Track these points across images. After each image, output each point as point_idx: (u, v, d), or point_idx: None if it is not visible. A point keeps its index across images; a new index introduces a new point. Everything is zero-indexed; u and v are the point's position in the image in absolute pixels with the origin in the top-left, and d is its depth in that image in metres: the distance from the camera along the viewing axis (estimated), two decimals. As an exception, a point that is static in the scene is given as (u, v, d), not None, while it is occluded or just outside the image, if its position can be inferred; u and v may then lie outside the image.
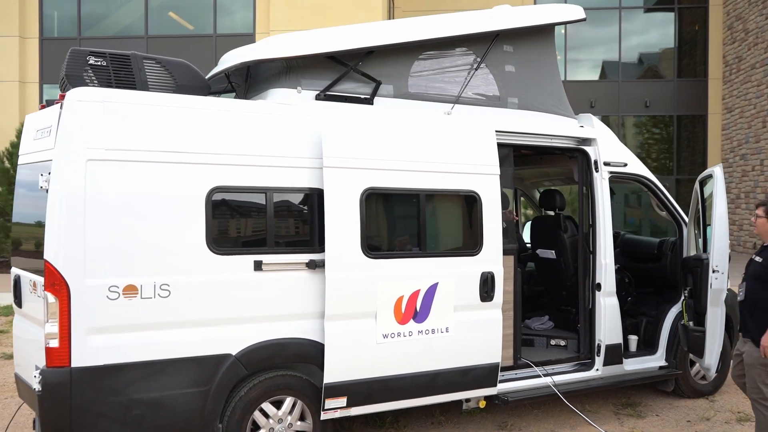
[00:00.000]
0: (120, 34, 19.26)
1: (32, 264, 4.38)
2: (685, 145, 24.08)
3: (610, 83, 23.73)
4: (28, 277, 4.46)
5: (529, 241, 7.17)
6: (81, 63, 4.54)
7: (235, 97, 5.71)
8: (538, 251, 6.76)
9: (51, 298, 3.91)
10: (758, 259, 4.80)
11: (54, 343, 3.92)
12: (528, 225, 7.49)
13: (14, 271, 4.76)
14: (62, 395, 3.92)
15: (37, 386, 3.94)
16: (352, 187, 4.62)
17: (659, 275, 6.71)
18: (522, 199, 8.28)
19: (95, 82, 4.53)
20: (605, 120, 24.10)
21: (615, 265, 6.66)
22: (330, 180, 4.54)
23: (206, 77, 5.36)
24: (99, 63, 4.61)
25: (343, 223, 4.56)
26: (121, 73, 4.64)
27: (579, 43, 24.08)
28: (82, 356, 3.96)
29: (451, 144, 5.08)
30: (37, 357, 4.08)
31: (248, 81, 5.39)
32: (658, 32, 24.19)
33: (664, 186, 6.54)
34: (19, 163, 4.84)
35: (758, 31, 19.32)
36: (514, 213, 7.51)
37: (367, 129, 4.78)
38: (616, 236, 7.35)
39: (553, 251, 6.54)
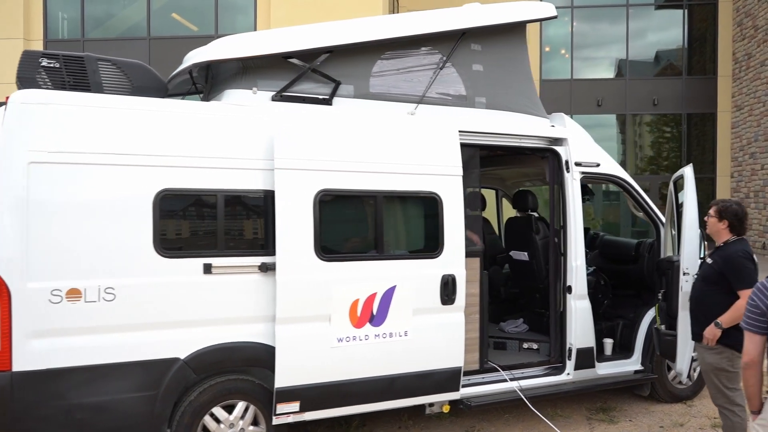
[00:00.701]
0: (123, 35, 19.35)
1: None
2: (695, 144, 23.74)
3: (617, 81, 23.47)
4: None
5: (504, 242, 7.06)
6: (34, 65, 4.52)
7: (201, 98, 5.70)
8: (512, 253, 6.65)
9: (-8, 301, 3.89)
10: (709, 260, 4.68)
11: (-5, 347, 3.90)
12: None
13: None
14: (2, 399, 3.89)
15: (-24, 391, 3.93)
16: (305, 188, 4.56)
17: (637, 277, 6.58)
18: (504, 200, 8.16)
19: (49, 84, 4.52)
20: (612, 119, 23.88)
21: (591, 267, 6.57)
22: (281, 182, 4.48)
23: (168, 78, 5.34)
24: (52, 65, 4.59)
25: (295, 226, 4.50)
26: (74, 75, 4.62)
27: (585, 41, 23.85)
28: (23, 360, 3.93)
29: (411, 145, 4.99)
30: None
31: (209, 82, 5.35)
32: (666, 29, 23.88)
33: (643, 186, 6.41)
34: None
35: (768, 28, 19.00)
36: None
37: (321, 130, 4.71)
38: (596, 238, 7.24)
39: (526, 253, 6.43)
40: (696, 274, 5.01)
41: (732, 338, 4.44)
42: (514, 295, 7.05)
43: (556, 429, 5.31)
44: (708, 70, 23.42)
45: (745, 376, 3.17)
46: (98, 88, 4.62)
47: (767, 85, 19.15)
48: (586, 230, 7.47)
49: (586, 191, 6.92)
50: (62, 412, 4.02)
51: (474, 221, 5.48)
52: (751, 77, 20.28)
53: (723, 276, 4.55)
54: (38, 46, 18.73)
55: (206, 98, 5.39)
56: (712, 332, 4.57)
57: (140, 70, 4.84)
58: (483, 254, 5.48)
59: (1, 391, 3.89)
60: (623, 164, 23.64)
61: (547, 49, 24.00)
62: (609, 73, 23.97)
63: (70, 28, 19.52)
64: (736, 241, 4.65)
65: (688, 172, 5.43)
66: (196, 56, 4.91)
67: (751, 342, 3.14)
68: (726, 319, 4.50)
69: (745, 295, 4.34)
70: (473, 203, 5.53)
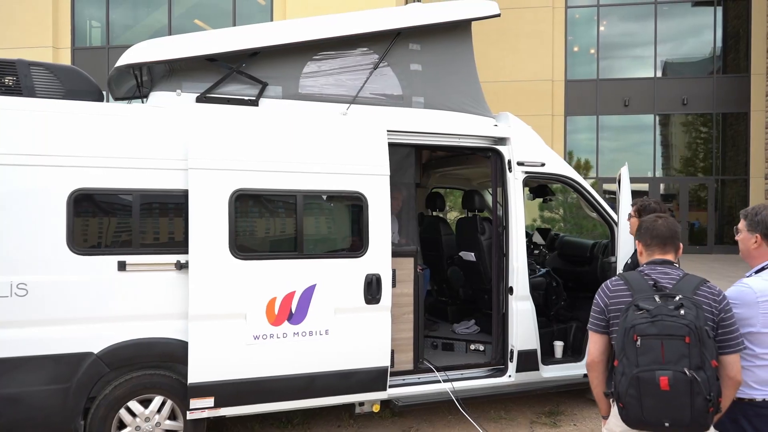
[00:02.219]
0: (146, 42, 19.91)
1: None
2: (729, 144, 23.03)
3: (645, 81, 22.95)
4: None
5: (457, 243, 7.02)
6: (-34, 70, 4.73)
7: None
8: (461, 253, 6.61)
9: None
10: (629, 261, 4.56)
11: None
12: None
13: None
14: None
15: None
16: (220, 188, 4.64)
17: (592, 279, 6.45)
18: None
19: (-19, 88, 4.71)
20: (640, 119, 23.32)
21: (545, 268, 6.48)
22: (195, 181, 4.57)
23: (107, 81, 5.50)
24: (-16, 70, 4.79)
25: (209, 224, 4.59)
26: (7, 79, 4.81)
27: (613, 41, 23.41)
28: (-66, 352, 4.12)
29: (336, 144, 5.02)
30: None
31: (144, 84, 5.49)
32: (698, 27, 23.24)
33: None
34: None
35: (798, 24, 18.31)
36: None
37: (240, 130, 4.78)
38: (555, 238, 7.13)
39: (473, 254, 6.38)
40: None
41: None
42: (471, 297, 7.00)
43: (478, 427, 5.24)
44: (741, 68, 22.71)
45: (590, 378, 3.10)
46: (30, 92, 4.79)
47: (800, 82, 18.46)
48: (547, 230, 7.38)
49: (546, 192, 6.84)
50: (-26, 403, 4.19)
51: (409, 221, 5.47)
52: (783, 75, 19.58)
53: None
54: (66, 53, 19.44)
55: (141, 99, 5.53)
56: None
57: (73, 74, 5.01)
58: (417, 254, 5.46)
59: None
60: (652, 166, 23.10)
61: (575, 49, 23.66)
62: (637, 73, 23.45)
63: (97, 35, 20.18)
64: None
65: (622, 171, 5.32)
66: (122, 59, 5.05)
67: (592, 342, 3.07)
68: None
69: None
70: (409, 203, 5.53)
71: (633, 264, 4.51)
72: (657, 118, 23.25)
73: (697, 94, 22.83)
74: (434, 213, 7.78)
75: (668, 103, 23.02)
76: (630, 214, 4.72)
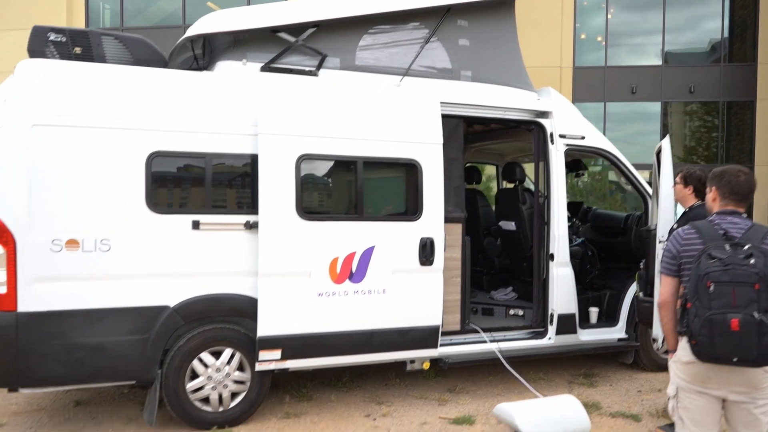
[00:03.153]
0: (159, 24, 20.04)
1: None
2: (734, 133, 23.28)
3: (652, 68, 23.16)
4: None
5: (495, 214, 7.29)
6: (42, 39, 4.95)
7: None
8: (501, 223, 6.87)
9: None
10: (675, 225, 4.84)
11: (2, 290, 4.35)
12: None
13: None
14: (10, 337, 4.34)
15: (-12, 329, 4.39)
16: (287, 152, 4.89)
17: (625, 249, 6.73)
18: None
19: (56, 56, 4.94)
20: (647, 107, 23.56)
21: (580, 238, 6.76)
22: (264, 146, 4.82)
23: (169, 53, 5.73)
24: (59, 39, 5.02)
25: (277, 187, 4.84)
26: (80, 48, 5.04)
27: (621, 28, 23.58)
28: (27, 302, 4.37)
29: (393, 114, 5.27)
30: None
31: (206, 55, 5.71)
32: (705, 15, 23.43)
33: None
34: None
35: (807, 12, 18.50)
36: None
37: (305, 98, 5.03)
38: (588, 211, 7.40)
39: (513, 223, 6.65)
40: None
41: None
42: (507, 266, 7.27)
43: (530, 387, 5.53)
44: (748, 57, 22.91)
45: (660, 316, 3.37)
46: (101, 60, 5.03)
47: (807, 71, 18.69)
48: (579, 204, 7.65)
49: (579, 166, 7.11)
50: (63, 351, 4.45)
51: (457, 189, 5.73)
52: (791, 63, 19.80)
53: None
54: (81, 35, 19.49)
55: (204, 69, 5.76)
56: None
57: (140, 44, 5.23)
58: (465, 221, 5.73)
59: (7, 329, 4.34)
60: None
61: (582, 36, 23.83)
62: (644, 61, 23.64)
63: (111, 18, 20.30)
64: (700, 206, 4.81)
65: (664, 144, 5.57)
66: (190, 30, 5.27)
67: (664, 284, 3.33)
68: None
69: None
70: (456, 172, 5.78)
71: (687, 222, 4.77)
72: (663, 106, 23.46)
73: (703, 82, 23.04)
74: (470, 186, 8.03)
75: (675, 91, 23.23)
76: (676, 181, 4.98)
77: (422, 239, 5.28)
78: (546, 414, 4.66)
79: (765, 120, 22.38)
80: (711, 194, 3.41)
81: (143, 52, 5.22)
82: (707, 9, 23.73)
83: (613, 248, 6.91)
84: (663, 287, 3.34)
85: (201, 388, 4.86)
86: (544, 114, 6.05)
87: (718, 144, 23.39)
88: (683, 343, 3.20)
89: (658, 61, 23.46)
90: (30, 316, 4.38)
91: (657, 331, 5.62)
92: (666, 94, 23.43)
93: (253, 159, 4.88)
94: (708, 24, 23.63)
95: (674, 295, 3.31)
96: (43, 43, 4.95)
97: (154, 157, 4.65)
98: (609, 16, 23.80)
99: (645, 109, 23.65)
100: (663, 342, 5.73)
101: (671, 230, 4.98)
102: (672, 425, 4.85)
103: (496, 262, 7.34)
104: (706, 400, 3.17)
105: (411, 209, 5.32)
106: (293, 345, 4.94)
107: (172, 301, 4.70)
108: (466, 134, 7.91)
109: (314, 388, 5.83)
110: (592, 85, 23.46)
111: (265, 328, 4.84)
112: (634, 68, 23.44)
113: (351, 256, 5.08)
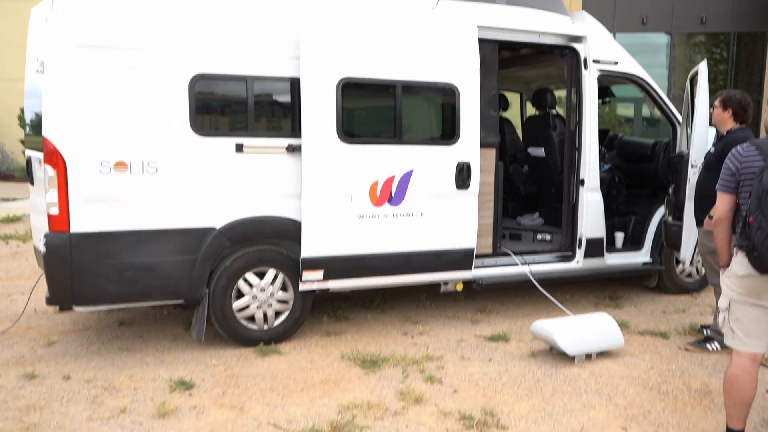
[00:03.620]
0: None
1: (39, 144, 4.86)
2: (744, 64, 23.03)
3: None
4: (36, 156, 4.97)
5: (523, 140, 7.32)
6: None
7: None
8: (530, 149, 6.92)
9: (50, 170, 4.40)
10: (712, 149, 4.90)
11: (54, 211, 4.44)
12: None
13: (27, 153, 5.28)
14: (64, 257, 4.45)
15: (42, 249, 4.50)
16: (329, 76, 4.89)
17: (652, 176, 6.81)
18: (528, 103, 8.33)
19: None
20: (658, 37, 23.18)
21: (608, 164, 6.82)
22: (307, 69, 4.82)
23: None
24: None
25: (319, 110, 4.86)
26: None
27: (632, -45, 22.94)
28: (79, 223, 4.46)
29: (431, 37, 5.24)
30: (44, 225, 4.61)
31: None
32: (718, -59, 22.77)
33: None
34: (27, 53, 5.29)
35: (824, -63, 18.01)
36: None
37: (345, 21, 4.99)
38: (614, 138, 7.44)
39: (543, 149, 6.70)
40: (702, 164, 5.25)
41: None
42: (532, 193, 7.37)
43: (562, 307, 5.71)
44: (761, -14, 22.43)
45: (716, 232, 3.47)
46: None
47: (822, -1, 18.34)
48: (605, 131, 7.68)
49: (607, 93, 7.10)
50: (115, 270, 4.58)
51: (491, 115, 5.75)
52: (805, -9, 19.40)
53: (722, 162, 4.77)
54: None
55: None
56: (708, 224, 4.85)
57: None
58: (498, 146, 5.77)
59: (61, 249, 4.44)
60: (669, 84, 23.13)
61: (592, -36, 23.22)
62: (655, -10, 23.08)
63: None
64: (739, 130, 4.85)
65: (702, 67, 5.56)
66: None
67: (721, 201, 3.42)
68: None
69: None
70: (491, 97, 5.78)
71: (717, 152, 4.83)
72: (672, 37, 23.09)
73: (715, 12, 22.62)
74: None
75: (686, 22, 22.82)
76: (714, 105, 5.01)
77: (459, 163, 5.34)
78: (582, 330, 4.85)
79: (776, 52, 22.08)
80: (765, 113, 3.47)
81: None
82: (723, -65, 23.02)
83: (639, 175, 6.99)
84: (720, 204, 3.43)
85: (246, 307, 5.01)
86: (577, 39, 6.01)
87: (727, 76, 23.14)
88: (739, 258, 3.30)
89: (670, -10, 22.91)
90: (82, 237, 4.48)
91: (685, 253, 5.78)
92: (677, 24, 23.03)
93: (294, 83, 4.89)
94: (723, -49, 22.95)
95: (731, 212, 3.40)
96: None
97: (197, 80, 4.65)
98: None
99: (652, 40, 23.28)
100: (691, 263, 5.91)
101: (707, 154, 5.05)
102: (701, 342, 5.05)
103: (521, 189, 7.42)
104: (759, 311, 3.30)
105: (448, 134, 5.36)
106: (335, 266, 5.07)
107: (218, 223, 4.80)
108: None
109: (349, 309, 6.01)
110: (602, 15, 23.00)
111: (308, 249, 4.95)
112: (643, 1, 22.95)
113: (390, 179, 5.16)
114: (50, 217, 4.45)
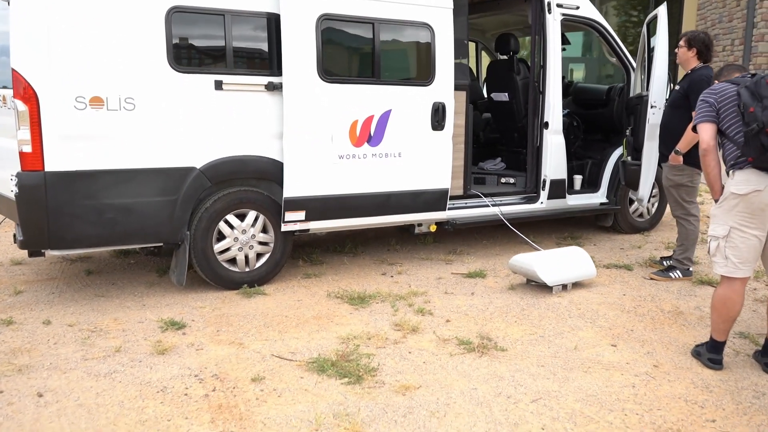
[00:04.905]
0: None
1: (2, 79, 4.57)
2: (660, 27, 23.95)
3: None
4: None
5: (485, 86, 7.44)
6: None
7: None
8: (493, 95, 7.05)
9: (21, 106, 4.15)
10: (677, 87, 5.16)
11: (27, 149, 4.20)
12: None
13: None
14: (38, 197, 4.24)
15: (14, 188, 4.26)
16: (308, 12, 4.80)
17: (607, 120, 7.08)
18: (483, 52, 8.45)
19: None
20: None
21: (565, 109, 7.03)
22: (286, 4, 4.71)
23: None
24: None
25: (299, 47, 4.78)
26: None
27: None
28: (54, 161, 4.25)
29: (406, -25, 5.23)
30: (14, 166, 4.36)
31: None
32: None
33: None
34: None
35: None
36: None
37: (322, -45, 4.90)
38: (569, 85, 7.67)
39: (506, 93, 6.83)
40: (665, 103, 5.50)
41: (692, 158, 4.96)
42: (492, 140, 7.52)
43: (530, 242, 5.91)
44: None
45: (705, 162, 3.63)
46: None
47: (734, -36, 19.25)
48: (561, 77, 7.88)
49: (563, 40, 7.26)
50: (93, 211, 4.40)
51: (461, 55, 5.80)
52: (719, -44, 20.31)
53: (687, 99, 5.03)
54: None
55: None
56: (674, 158, 5.12)
57: None
58: (469, 88, 5.85)
59: (36, 189, 4.23)
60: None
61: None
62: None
63: None
64: (703, 68, 5.12)
65: (661, 11, 5.79)
66: None
67: (705, 131, 3.58)
68: (682, 145, 5.02)
69: None
70: (461, 42, 5.83)
71: (683, 90, 5.09)
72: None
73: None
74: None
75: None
76: (680, 44, 5.25)
77: (434, 104, 5.39)
78: (559, 262, 5.06)
79: (691, 14, 23.09)
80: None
81: None
82: None
83: (593, 120, 7.24)
84: (704, 134, 3.57)
85: (227, 249, 4.94)
86: (541, -17, 6.12)
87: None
88: (738, 177, 3.47)
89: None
90: (58, 176, 4.27)
91: (643, 191, 6.08)
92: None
93: (273, 18, 4.78)
94: None
95: (714, 139, 3.58)
96: None
97: (173, 12, 4.47)
98: None
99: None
100: (648, 201, 6.22)
101: (673, 92, 5.29)
102: (664, 271, 5.36)
103: (481, 135, 7.56)
104: (756, 238, 3.51)
105: (424, 74, 5.39)
106: (316, 206, 5.05)
107: (198, 163, 4.68)
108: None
109: (322, 254, 6.01)
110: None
111: (290, 189, 4.91)
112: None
113: (369, 119, 5.15)
114: (22, 155, 4.22)
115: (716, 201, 3.69)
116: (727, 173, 3.59)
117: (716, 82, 3.84)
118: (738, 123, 3.46)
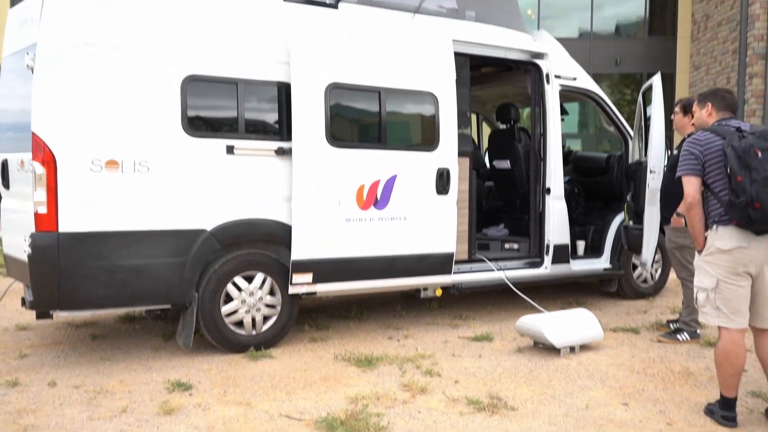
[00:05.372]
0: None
1: (20, 144, 4.69)
2: (654, 104, 24.62)
3: (581, 41, 24.14)
4: (15, 158, 4.79)
5: (488, 155, 7.62)
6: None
7: None
8: (495, 162, 7.21)
9: (39, 168, 4.27)
10: (675, 152, 5.30)
11: (42, 210, 4.29)
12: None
13: (1, 156, 5.07)
14: (51, 257, 4.30)
15: (27, 249, 4.31)
16: (317, 81, 5.00)
17: (607, 188, 7.21)
18: (484, 123, 8.68)
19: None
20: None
21: (566, 177, 7.18)
22: (296, 74, 4.91)
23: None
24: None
25: (308, 114, 4.95)
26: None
27: (551, 2, 24.38)
28: (68, 223, 4.33)
29: (411, 47, 5.48)
30: (27, 227, 4.43)
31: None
32: (628, -8, 24.55)
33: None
34: (4, 54, 5.13)
35: (726, -12, 19.75)
36: None
37: (332, 29, 5.14)
38: (569, 154, 7.85)
39: (508, 161, 6.99)
40: (664, 167, 5.63)
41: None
42: (495, 208, 7.64)
43: (540, 308, 5.91)
44: (668, 31, 24.23)
45: (690, 216, 3.69)
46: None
47: (723, 44, 19.94)
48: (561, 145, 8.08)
49: (562, 111, 7.50)
50: (104, 272, 4.44)
51: (464, 126, 5.98)
52: (708, 37, 21.07)
53: None
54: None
55: None
56: (676, 221, 5.22)
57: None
58: (472, 155, 6.01)
59: (49, 250, 4.29)
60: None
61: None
62: (574, 34, 24.57)
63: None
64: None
65: (656, 80, 6.02)
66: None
67: (690, 184, 3.64)
68: (683, 208, 5.12)
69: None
70: (464, 110, 6.02)
71: (675, 158, 5.23)
72: (592, 77, 24.44)
73: (628, 55, 24.20)
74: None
75: (603, 64, 24.29)
76: (675, 111, 5.44)
77: (439, 169, 5.53)
78: (566, 324, 5.07)
79: (683, 91, 23.75)
80: (706, 110, 3.83)
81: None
82: (634, -16, 24.78)
83: (594, 187, 7.38)
84: (689, 187, 3.63)
85: (235, 312, 4.95)
86: (540, 55, 6.38)
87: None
88: (722, 233, 3.54)
89: (587, 35, 24.40)
90: (71, 237, 4.34)
91: (646, 255, 6.13)
92: (594, 66, 24.41)
93: (283, 87, 4.97)
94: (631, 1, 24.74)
95: (699, 192, 3.65)
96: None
97: (189, 81, 4.66)
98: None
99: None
100: (651, 265, 6.27)
101: (671, 156, 5.43)
102: (671, 333, 5.35)
103: (483, 203, 7.68)
104: (744, 288, 3.55)
105: (429, 140, 5.55)
106: (324, 269, 5.10)
107: (209, 225, 4.76)
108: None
109: (328, 319, 6.00)
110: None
111: (298, 251, 4.97)
112: (564, 41, 24.31)
113: (376, 183, 5.27)
114: (38, 216, 4.30)
115: (700, 252, 3.74)
116: (709, 226, 3.65)
117: (696, 109, 3.92)
118: (723, 181, 3.53)
